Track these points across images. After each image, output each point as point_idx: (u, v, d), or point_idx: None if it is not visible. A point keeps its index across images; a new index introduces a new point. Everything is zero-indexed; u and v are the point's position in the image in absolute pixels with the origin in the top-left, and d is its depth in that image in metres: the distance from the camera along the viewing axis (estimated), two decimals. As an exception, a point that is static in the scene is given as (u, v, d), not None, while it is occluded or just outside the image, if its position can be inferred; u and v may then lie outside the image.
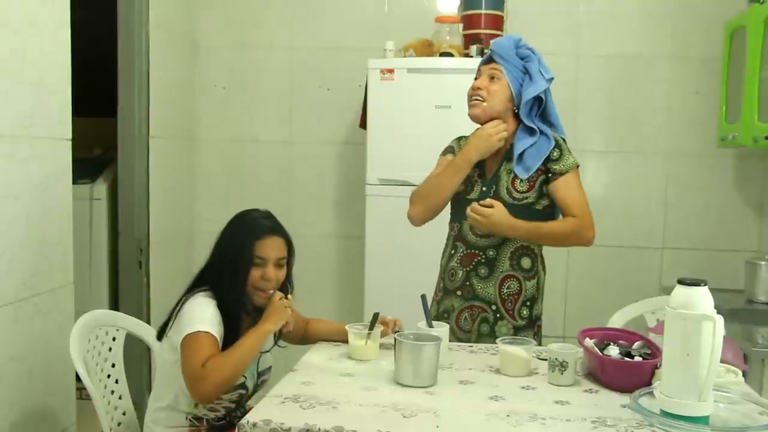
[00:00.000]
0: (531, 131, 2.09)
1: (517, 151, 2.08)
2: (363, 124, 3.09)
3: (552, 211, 2.12)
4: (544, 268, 2.17)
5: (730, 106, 3.04)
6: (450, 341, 2.06)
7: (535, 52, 2.12)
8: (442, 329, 1.87)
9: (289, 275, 1.93)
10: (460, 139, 2.26)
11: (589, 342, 1.77)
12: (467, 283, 2.11)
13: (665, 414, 1.42)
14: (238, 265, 1.83)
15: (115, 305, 3.31)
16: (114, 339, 2.09)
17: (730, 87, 3.05)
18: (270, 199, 3.57)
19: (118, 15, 2.99)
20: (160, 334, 1.88)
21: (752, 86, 2.75)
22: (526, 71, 2.09)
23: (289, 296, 1.88)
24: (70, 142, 2.34)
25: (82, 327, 1.95)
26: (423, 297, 1.96)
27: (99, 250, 3.49)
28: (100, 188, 3.53)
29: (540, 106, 2.11)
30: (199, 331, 1.73)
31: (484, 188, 2.12)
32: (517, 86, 2.09)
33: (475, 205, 2.00)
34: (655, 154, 3.34)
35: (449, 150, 2.25)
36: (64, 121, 2.31)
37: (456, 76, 2.91)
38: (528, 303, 2.10)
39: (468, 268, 2.11)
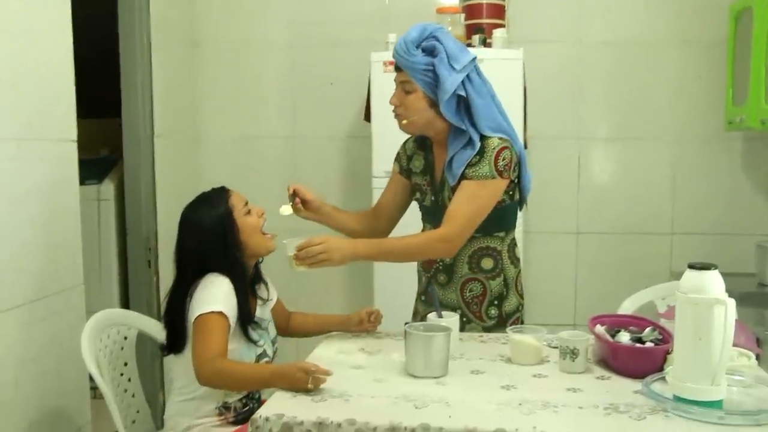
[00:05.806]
0: (462, 131, 1.91)
1: (448, 157, 1.95)
2: (367, 116, 3.09)
3: (496, 213, 1.94)
4: (514, 262, 2.03)
5: (737, 89, 3.01)
6: None
7: (441, 40, 1.85)
8: (452, 319, 1.87)
9: None
10: (405, 143, 2.11)
11: (600, 329, 1.77)
12: (428, 289, 2.04)
13: (678, 399, 1.42)
14: (227, 234, 1.87)
15: (125, 304, 3.33)
16: (125, 338, 2.11)
17: (737, 70, 3.02)
18: (275, 195, 3.53)
19: (119, 15, 2.99)
20: (171, 348, 1.87)
21: (759, 68, 2.73)
22: (434, 70, 1.85)
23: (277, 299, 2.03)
24: (75, 144, 2.34)
25: (93, 327, 1.97)
26: (432, 289, 1.96)
27: (108, 250, 3.50)
28: (108, 188, 3.54)
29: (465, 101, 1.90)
30: (212, 312, 1.74)
31: (432, 197, 2.03)
32: (431, 90, 1.87)
33: (302, 252, 1.80)
34: (662, 140, 3.32)
35: (397, 158, 2.12)
36: (69, 122, 2.32)
37: (459, 66, 2.90)
38: (496, 302, 2.01)
39: (429, 274, 2.06)
